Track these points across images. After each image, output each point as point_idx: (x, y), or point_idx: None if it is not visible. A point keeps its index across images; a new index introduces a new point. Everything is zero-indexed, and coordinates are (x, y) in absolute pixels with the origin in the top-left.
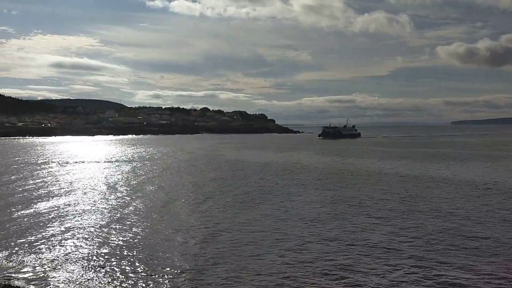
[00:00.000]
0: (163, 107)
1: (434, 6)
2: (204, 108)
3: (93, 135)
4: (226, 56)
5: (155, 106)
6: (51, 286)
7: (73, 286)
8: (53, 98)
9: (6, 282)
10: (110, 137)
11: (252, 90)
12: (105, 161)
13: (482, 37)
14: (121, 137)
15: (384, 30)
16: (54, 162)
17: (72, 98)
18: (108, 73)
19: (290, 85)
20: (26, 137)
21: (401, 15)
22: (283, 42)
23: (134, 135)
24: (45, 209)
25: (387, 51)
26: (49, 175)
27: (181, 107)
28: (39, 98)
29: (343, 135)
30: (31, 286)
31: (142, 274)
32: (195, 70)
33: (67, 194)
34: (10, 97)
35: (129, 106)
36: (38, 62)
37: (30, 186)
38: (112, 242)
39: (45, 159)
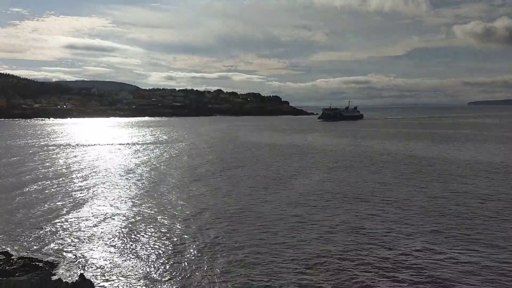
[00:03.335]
0: (177, 89)
1: None
2: (217, 90)
3: (108, 116)
4: (239, 37)
5: (168, 88)
6: (74, 265)
7: (99, 264)
8: (68, 80)
9: (27, 261)
10: (125, 119)
11: (266, 72)
12: (128, 144)
13: (501, 15)
14: (136, 119)
15: (399, 9)
16: (78, 144)
17: (86, 80)
18: (121, 55)
19: (305, 66)
20: (43, 119)
21: None
22: (297, 22)
23: (148, 117)
24: (72, 190)
25: (403, 31)
26: (73, 156)
27: (194, 89)
28: (54, 80)
29: (344, 116)
30: (54, 264)
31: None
32: (208, 51)
33: (94, 175)
34: (26, 78)
35: (143, 88)
36: (51, 44)
37: (50, 168)
38: (139, 221)
39: (67, 141)
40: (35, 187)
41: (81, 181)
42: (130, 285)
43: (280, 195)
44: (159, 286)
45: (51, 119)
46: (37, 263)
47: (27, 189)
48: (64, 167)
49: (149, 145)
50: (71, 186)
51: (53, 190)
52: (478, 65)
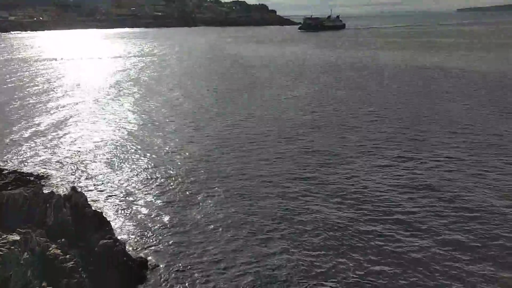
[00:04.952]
0: None
1: None
2: None
3: (86, 28)
4: None
5: None
6: (65, 178)
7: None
8: None
9: (18, 176)
10: (104, 30)
11: None
12: (101, 58)
13: None
14: (115, 30)
15: None
16: (48, 58)
17: None
18: None
19: None
20: (20, 32)
21: None
22: None
23: (129, 28)
24: (40, 105)
25: None
26: (41, 70)
27: None
28: None
29: (325, 26)
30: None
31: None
32: None
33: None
34: None
35: None
36: None
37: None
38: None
39: (38, 55)
40: (14, 103)
41: (53, 97)
42: (122, 195)
43: (238, 104)
44: (146, 194)
45: (28, 31)
46: (28, 177)
47: (7, 105)
48: (33, 83)
49: (119, 59)
50: (40, 102)
51: (22, 105)
52: None
